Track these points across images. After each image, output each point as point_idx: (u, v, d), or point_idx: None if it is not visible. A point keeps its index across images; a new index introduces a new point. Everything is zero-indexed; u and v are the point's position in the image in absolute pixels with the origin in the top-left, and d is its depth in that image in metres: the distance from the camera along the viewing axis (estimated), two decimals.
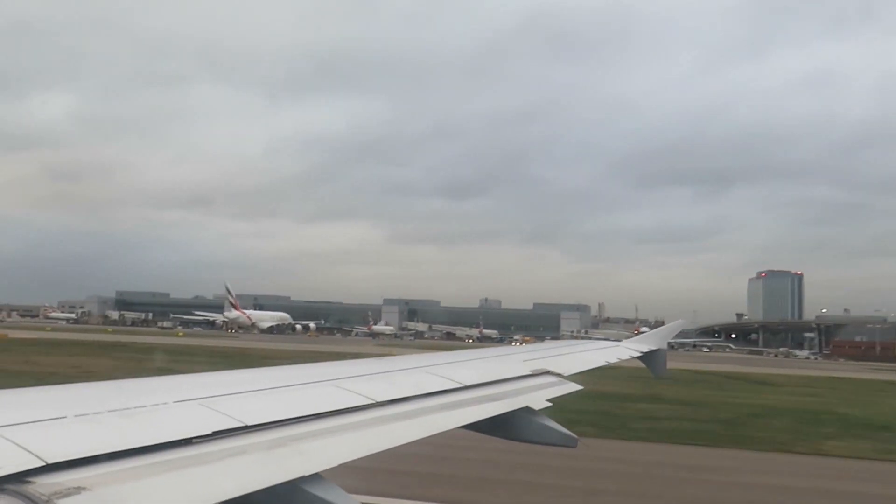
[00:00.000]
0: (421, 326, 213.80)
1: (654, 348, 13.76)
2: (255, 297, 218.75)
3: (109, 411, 4.62)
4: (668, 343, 14.17)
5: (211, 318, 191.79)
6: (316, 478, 4.50)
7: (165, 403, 4.97)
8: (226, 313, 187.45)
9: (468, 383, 7.59)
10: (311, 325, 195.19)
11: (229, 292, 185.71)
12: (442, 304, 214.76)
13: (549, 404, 8.18)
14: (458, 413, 6.83)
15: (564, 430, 7.93)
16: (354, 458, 4.92)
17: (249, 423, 4.79)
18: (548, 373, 9.23)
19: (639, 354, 13.25)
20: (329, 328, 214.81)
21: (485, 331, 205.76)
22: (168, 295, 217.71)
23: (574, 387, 9.25)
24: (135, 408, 4.78)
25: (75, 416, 4.40)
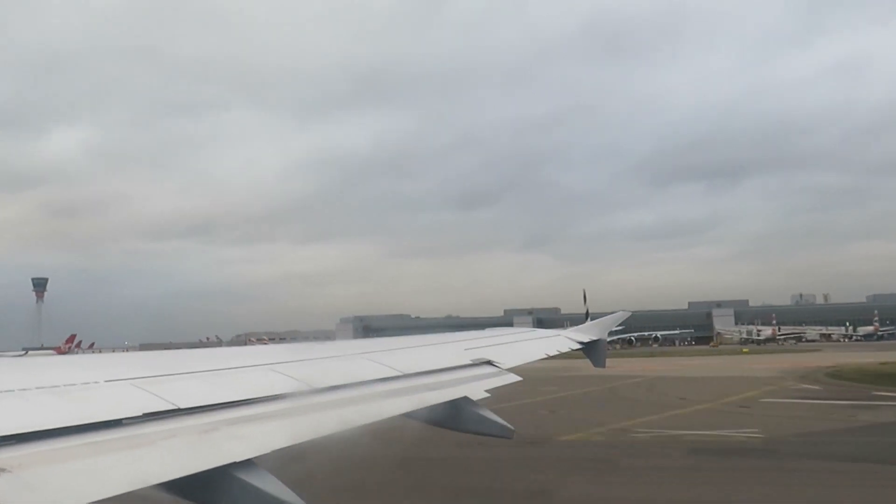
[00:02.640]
0: None
1: (594, 338, 13.98)
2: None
3: (37, 388, 4.50)
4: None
5: None
6: (248, 464, 4.46)
7: (96, 382, 4.86)
8: None
9: (408, 371, 7.60)
10: None
11: None
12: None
13: (488, 395, 8.26)
14: (397, 401, 6.84)
15: (502, 421, 8.01)
16: (288, 444, 4.89)
17: (182, 406, 4.72)
18: (488, 363, 9.30)
19: (579, 346, 13.44)
20: None
21: None
22: (409, 316, 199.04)
23: (513, 378, 9.35)
24: (64, 386, 4.66)
25: (0, 391, 4.28)
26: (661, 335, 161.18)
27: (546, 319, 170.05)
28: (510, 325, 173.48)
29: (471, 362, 9.03)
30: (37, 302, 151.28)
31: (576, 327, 14.37)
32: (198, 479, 4.13)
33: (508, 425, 8.04)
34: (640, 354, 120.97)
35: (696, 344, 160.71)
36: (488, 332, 11.99)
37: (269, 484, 4.42)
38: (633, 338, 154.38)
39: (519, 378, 9.64)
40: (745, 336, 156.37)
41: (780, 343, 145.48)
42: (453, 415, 7.60)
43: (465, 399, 7.71)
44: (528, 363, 10.52)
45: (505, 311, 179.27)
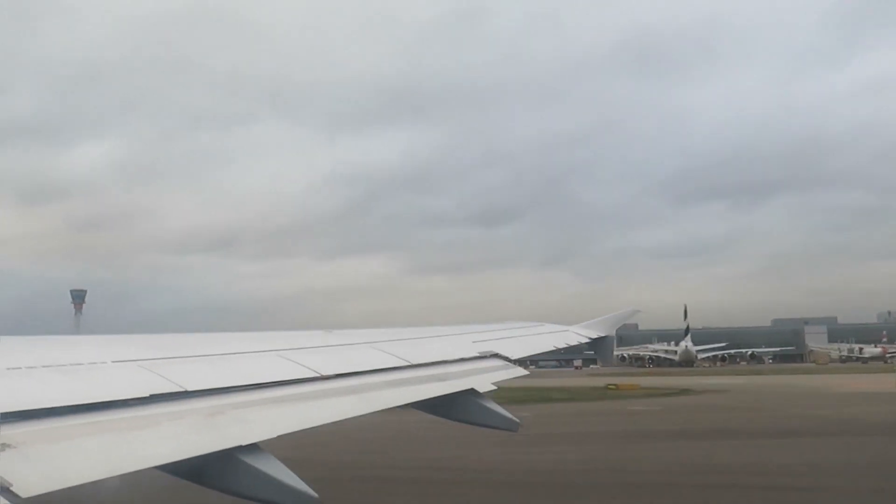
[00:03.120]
0: None
1: (602, 335, 13.92)
2: None
3: (43, 366, 4.49)
4: None
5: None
6: (253, 448, 4.44)
7: (103, 362, 4.85)
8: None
9: (416, 362, 7.57)
10: None
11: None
12: None
13: (494, 387, 8.22)
14: (404, 391, 6.82)
15: (507, 413, 7.98)
16: (294, 430, 4.87)
17: (189, 389, 4.71)
18: (496, 355, 9.26)
19: (587, 340, 13.39)
20: None
21: None
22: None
23: (520, 371, 9.32)
24: (70, 365, 4.65)
25: (6, 368, 4.27)
26: (756, 352, 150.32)
27: (626, 335, 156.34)
28: None
29: (478, 354, 9.00)
30: (75, 314, 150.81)
31: (584, 323, 14.32)
32: (202, 462, 4.12)
33: (514, 418, 8.00)
34: (774, 371, 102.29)
35: (783, 362, 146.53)
36: (495, 325, 11.96)
37: (274, 468, 4.40)
38: (725, 355, 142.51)
39: (526, 371, 9.61)
40: (845, 354, 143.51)
41: (886, 362, 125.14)
42: (459, 406, 7.58)
43: (472, 391, 7.69)
44: (536, 353, 10.50)
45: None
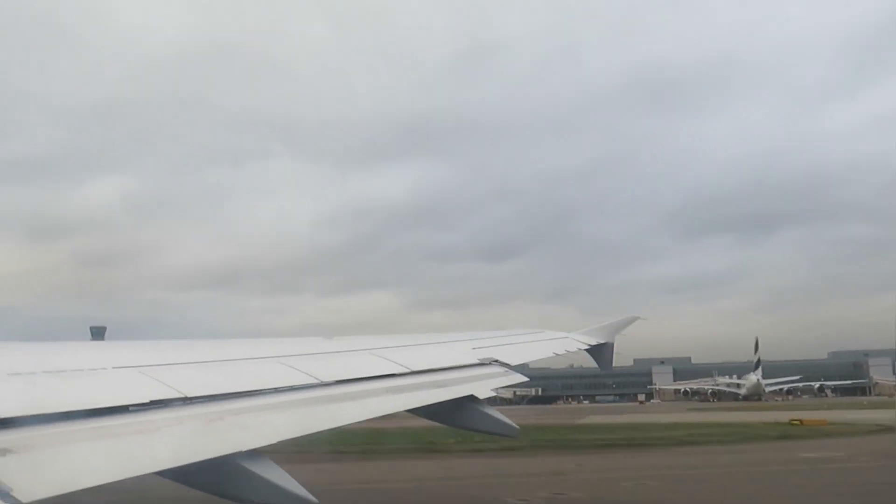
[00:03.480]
0: None
1: (602, 341, 13.92)
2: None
3: (44, 372, 4.51)
4: None
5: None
6: (254, 453, 4.45)
7: (104, 368, 4.87)
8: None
9: (415, 368, 7.57)
10: None
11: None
12: None
13: (494, 394, 8.23)
14: (403, 397, 6.82)
15: (506, 419, 7.99)
16: (294, 436, 4.88)
17: (189, 395, 4.72)
18: (495, 362, 9.27)
19: (587, 347, 13.39)
20: None
21: None
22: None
23: (520, 377, 9.31)
24: (71, 370, 4.67)
25: (7, 374, 4.28)
26: (827, 386, 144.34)
27: (680, 369, 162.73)
28: (648, 376, 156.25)
29: (478, 361, 9.00)
30: None
31: (584, 330, 14.33)
32: (203, 467, 4.13)
33: (513, 424, 8.01)
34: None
35: (845, 395, 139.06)
36: (495, 332, 11.96)
37: (274, 474, 4.41)
38: (791, 388, 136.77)
39: (526, 378, 9.61)
40: None
41: None
42: (459, 412, 7.59)
43: (472, 397, 7.70)
44: (536, 360, 10.50)
45: (635, 361, 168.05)
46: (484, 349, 9.72)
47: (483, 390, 7.98)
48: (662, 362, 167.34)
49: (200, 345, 6.85)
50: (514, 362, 9.42)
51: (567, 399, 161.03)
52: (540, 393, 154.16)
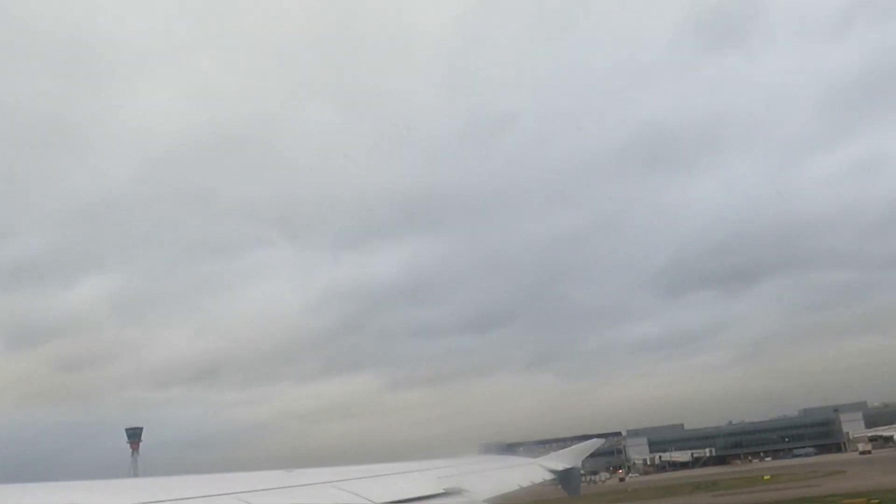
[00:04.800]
0: None
1: (568, 466, 13.65)
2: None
3: None
4: None
5: None
6: None
7: None
8: None
9: (379, 501, 7.32)
10: None
11: None
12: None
13: None
14: None
15: None
16: None
17: None
18: (462, 492, 9.01)
19: (552, 475, 13.10)
20: None
21: None
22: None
23: None
24: None
25: None
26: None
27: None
28: (825, 425, 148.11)
29: (444, 491, 8.74)
30: (133, 454, 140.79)
31: (549, 455, 14.07)
32: None
33: None
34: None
35: (818, 453, 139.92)
36: (461, 459, 11.69)
37: None
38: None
39: None
40: None
41: None
42: None
43: None
44: (502, 494, 10.19)
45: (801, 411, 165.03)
46: (450, 478, 9.47)
47: None
48: (836, 410, 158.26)
49: (151, 484, 6.55)
50: (480, 492, 9.17)
51: (744, 457, 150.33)
52: (713, 453, 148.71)
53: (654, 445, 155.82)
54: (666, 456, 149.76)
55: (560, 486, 13.83)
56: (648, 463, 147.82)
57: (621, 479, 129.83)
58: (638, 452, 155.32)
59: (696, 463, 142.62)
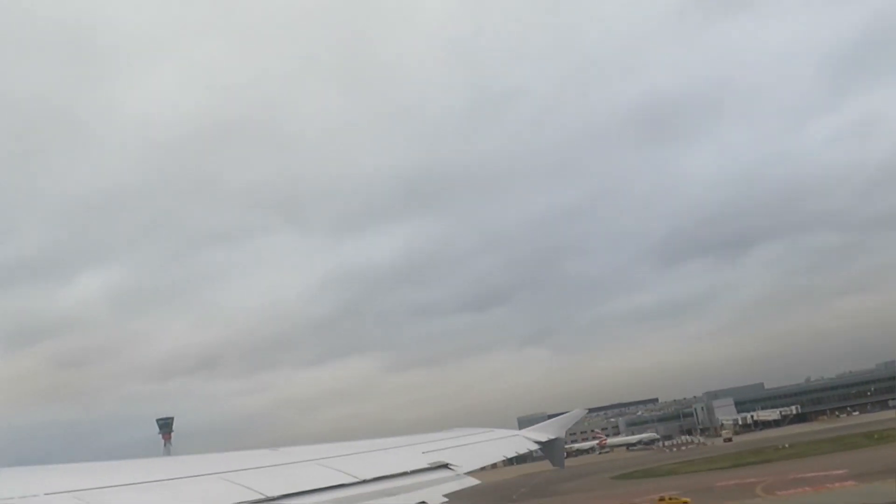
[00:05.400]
0: None
1: (552, 437, 13.81)
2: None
3: None
4: None
5: None
6: None
7: (35, 496, 4.64)
8: None
9: (364, 477, 7.40)
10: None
11: None
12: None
13: (446, 500, 8.06)
14: None
15: None
16: None
17: None
18: (446, 466, 9.12)
19: (537, 446, 13.26)
20: None
21: None
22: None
23: (472, 481, 9.15)
24: (1, 500, 4.45)
25: None
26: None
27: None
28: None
29: (428, 466, 8.85)
30: (165, 445, 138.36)
31: (534, 426, 14.22)
32: None
33: None
34: None
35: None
36: (445, 433, 11.80)
37: None
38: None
39: (477, 482, 9.44)
40: None
41: None
42: None
43: None
44: (487, 464, 10.32)
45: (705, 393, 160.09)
46: (434, 452, 9.57)
47: (434, 496, 7.82)
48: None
49: (138, 465, 6.59)
50: (464, 465, 9.28)
51: (831, 412, 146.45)
52: (799, 410, 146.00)
53: (739, 405, 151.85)
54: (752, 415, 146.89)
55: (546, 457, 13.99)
56: (740, 423, 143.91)
57: (727, 440, 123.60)
58: (724, 413, 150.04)
59: (783, 421, 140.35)
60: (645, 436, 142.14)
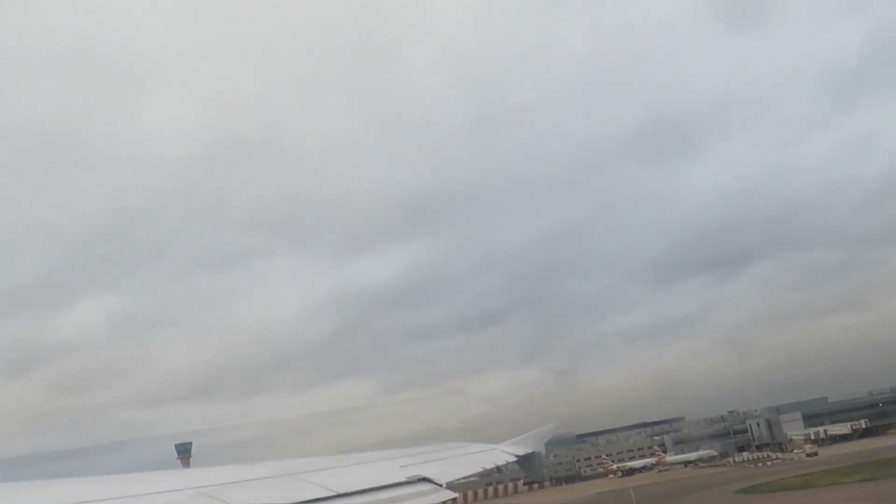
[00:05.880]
0: None
1: (529, 451, 13.97)
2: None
3: None
4: None
5: None
6: None
7: None
8: None
9: (341, 491, 7.52)
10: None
11: None
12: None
13: None
14: None
15: None
16: None
17: None
18: (424, 479, 9.24)
19: (514, 459, 13.40)
20: None
21: None
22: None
23: (449, 494, 9.29)
24: None
25: None
26: None
27: None
28: None
29: (405, 480, 8.96)
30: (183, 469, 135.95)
31: (511, 440, 14.38)
32: None
33: None
34: None
35: None
36: (422, 447, 11.92)
37: None
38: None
39: (455, 494, 9.57)
40: None
41: None
42: None
43: None
44: (464, 476, 10.45)
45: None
46: (412, 466, 9.69)
47: None
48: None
49: (119, 480, 6.67)
50: (442, 478, 9.41)
51: None
52: (867, 424, 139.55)
53: (807, 420, 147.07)
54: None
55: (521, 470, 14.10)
56: (813, 438, 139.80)
57: (812, 454, 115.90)
58: (791, 428, 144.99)
59: (852, 435, 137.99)
60: (704, 453, 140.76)
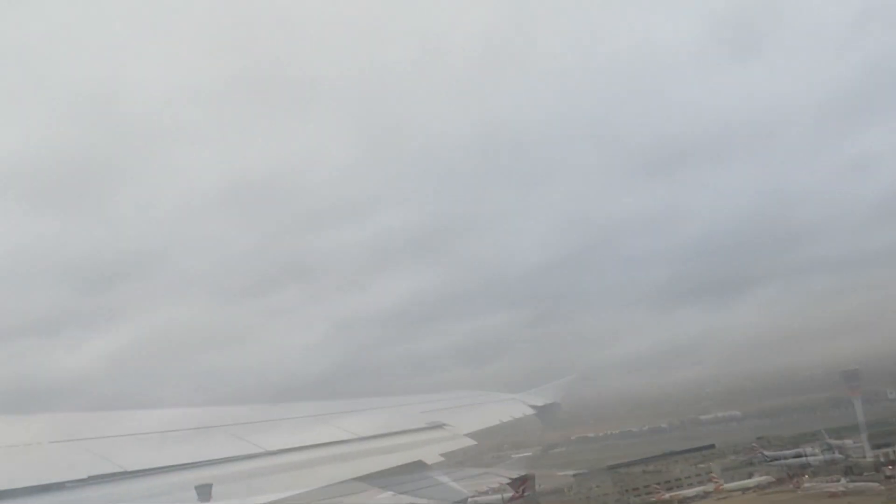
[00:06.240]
0: None
1: (549, 402, 13.97)
2: None
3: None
4: None
5: None
6: None
7: (39, 443, 4.77)
8: None
9: (363, 434, 7.56)
10: None
11: None
12: None
13: (443, 459, 8.23)
14: (349, 465, 6.80)
15: (456, 485, 7.99)
16: None
17: (129, 469, 4.67)
18: (443, 426, 9.27)
19: (533, 411, 13.42)
20: None
21: None
22: None
23: (468, 442, 9.31)
24: (4, 447, 4.59)
25: None
26: None
27: None
28: None
29: (426, 425, 8.99)
30: None
31: (533, 390, 14.39)
32: None
33: (463, 490, 8.00)
34: None
35: None
36: (445, 394, 11.96)
37: None
38: None
39: (473, 442, 9.60)
40: None
41: None
42: (405, 478, 7.55)
43: (419, 463, 7.68)
44: (484, 426, 10.48)
45: None
46: (431, 413, 9.71)
47: (431, 455, 7.98)
48: None
49: (151, 415, 6.73)
50: (462, 427, 9.42)
51: None
52: None
53: None
54: None
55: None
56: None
57: None
58: None
59: None
60: (763, 478, 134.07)
